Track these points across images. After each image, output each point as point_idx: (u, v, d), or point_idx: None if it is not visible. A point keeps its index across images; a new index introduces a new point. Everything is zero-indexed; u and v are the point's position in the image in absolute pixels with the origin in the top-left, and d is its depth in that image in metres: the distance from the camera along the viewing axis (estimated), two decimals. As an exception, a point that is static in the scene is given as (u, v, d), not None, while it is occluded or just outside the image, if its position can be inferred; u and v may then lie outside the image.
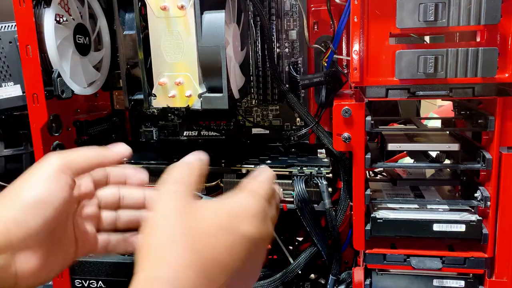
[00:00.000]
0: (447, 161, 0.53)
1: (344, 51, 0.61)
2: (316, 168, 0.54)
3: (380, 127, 0.53)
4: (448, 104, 0.92)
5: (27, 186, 0.38)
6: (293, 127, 0.68)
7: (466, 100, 0.55)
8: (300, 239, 0.64)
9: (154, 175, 0.59)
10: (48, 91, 0.53)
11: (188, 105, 0.51)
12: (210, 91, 0.51)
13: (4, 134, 0.73)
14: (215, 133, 0.70)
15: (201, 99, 0.50)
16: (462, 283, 0.51)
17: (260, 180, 0.39)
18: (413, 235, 0.50)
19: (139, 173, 0.45)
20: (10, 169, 0.75)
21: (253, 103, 0.67)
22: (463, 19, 0.41)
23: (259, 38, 0.63)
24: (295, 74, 0.63)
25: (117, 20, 0.54)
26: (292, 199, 0.53)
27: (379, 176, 0.67)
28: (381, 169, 0.65)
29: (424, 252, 0.51)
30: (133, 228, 0.43)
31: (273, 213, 0.38)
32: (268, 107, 0.68)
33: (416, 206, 0.53)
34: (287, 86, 0.62)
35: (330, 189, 0.53)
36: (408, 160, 0.77)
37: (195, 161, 0.37)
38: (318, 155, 0.60)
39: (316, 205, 0.53)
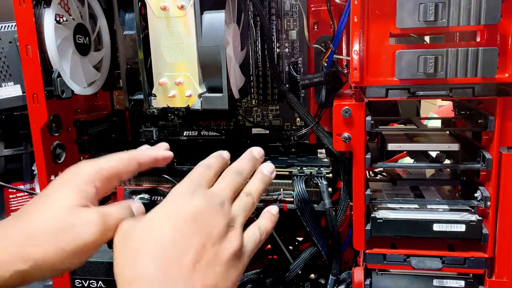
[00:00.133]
0: (447, 161, 0.53)
1: (344, 51, 0.61)
2: (316, 168, 0.54)
3: (380, 127, 0.53)
4: (448, 104, 0.92)
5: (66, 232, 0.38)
6: (293, 127, 0.68)
7: (466, 100, 0.55)
8: (300, 239, 0.64)
9: (154, 175, 0.60)
10: (48, 91, 0.53)
11: (188, 105, 0.51)
12: (210, 91, 0.51)
13: (4, 134, 0.74)
14: (215, 133, 0.70)
15: (201, 99, 0.50)
16: (462, 283, 0.51)
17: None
18: (413, 235, 0.50)
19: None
20: (10, 169, 0.75)
21: (253, 103, 0.67)
22: (463, 19, 0.41)
23: (259, 38, 0.63)
24: (295, 74, 0.63)
25: (117, 20, 0.54)
26: (292, 199, 0.53)
27: (379, 176, 0.67)
28: (381, 169, 0.65)
29: (424, 252, 0.51)
30: None
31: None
32: (268, 107, 0.68)
33: (416, 206, 0.53)
34: (287, 86, 0.62)
35: (330, 189, 0.53)
36: (408, 160, 0.77)
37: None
38: (318, 155, 0.60)
39: (316, 205, 0.53)
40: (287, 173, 0.55)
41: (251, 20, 0.63)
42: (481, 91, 0.45)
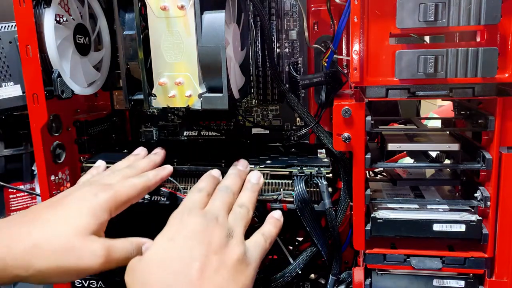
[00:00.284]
0: (447, 161, 0.53)
1: (344, 51, 0.61)
2: (316, 168, 0.54)
3: (380, 127, 0.53)
4: (448, 104, 0.92)
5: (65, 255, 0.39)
6: (293, 127, 0.68)
7: (466, 100, 0.55)
8: (300, 239, 0.64)
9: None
10: (48, 91, 0.53)
11: (188, 105, 0.51)
12: (210, 91, 0.51)
13: (4, 134, 0.74)
14: (215, 133, 0.70)
15: (201, 99, 0.50)
16: (462, 283, 0.51)
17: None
18: (413, 235, 0.50)
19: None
20: (10, 169, 0.75)
21: (253, 103, 0.67)
22: (463, 19, 0.41)
23: (259, 38, 0.63)
24: (295, 74, 0.63)
25: (117, 20, 0.54)
26: (292, 199, 0.53)
27: (379, 176, 0.67)
28: (381, 169, 0.65)
29: (424, 252, 0.51)
30: None
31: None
32: (268, 107, 0.68)
33: (416, 206, 0.53)
34: (287, 86, 0.62)
35: (330, 189, 0.53)
36: (408, 160, 0.77)
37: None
38: (318, 155, 0.60)
39: (316, 205, 0.53)
40: (287, 173, 0.55)
41: (251, 20, 0.63)
42: (481, 91, 0.45)
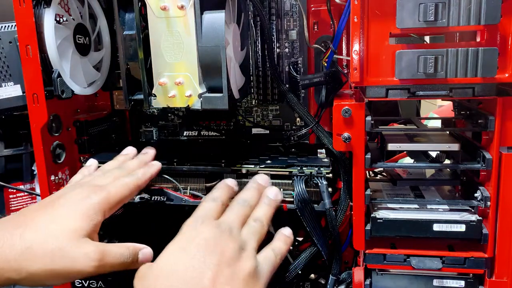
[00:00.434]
0: (447, 161, 0.53)
1: (344, 51, 0.61)
2: (316, 168, 0.54)
3: (380, 127, 0.53)
4: (448, 104, 0.92)
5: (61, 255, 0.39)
6: (293, 127, 0.68)
7: (466, 100, 0.55)
8: (300, 239, 0.64)
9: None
10: (48, 91, 0.53)
11: (188, 105, 0.51)
12: (210, 91, 0.51)
13: (4, 134, 0.74)
14: (215, 133, 0.70)
15: (201, 99, 0.50)
16: (462, 283, 0.51)
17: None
18: (413, 235, 0.50)
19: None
20: (10, 169, 0.75)
21: (253, 103, 0.67)
22: (463, 19, 0.41)
23: (259, 38, 0.63)
24: (295, 74, 0.63)
25: (117, 20, 0.54)
26: (292, 199, 0.53)
27: (379, 176, 0.67)
28: (381, 169, 0.65)
29: (424, 252, 0.51)
30: None
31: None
32: (268, 107, 0.68)
33: (416, 206, 0.53)
34: (287, 86, 0.62)
35: (330, 189, 0.53)
36: (408, 160, 0.77)
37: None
38: (318, 155, 0.60)
39: (316, 205, 0.53)
40: (287, 173, 0.55)
41: (251, 20, 0.63)
42: (481, 91, 0.45)
